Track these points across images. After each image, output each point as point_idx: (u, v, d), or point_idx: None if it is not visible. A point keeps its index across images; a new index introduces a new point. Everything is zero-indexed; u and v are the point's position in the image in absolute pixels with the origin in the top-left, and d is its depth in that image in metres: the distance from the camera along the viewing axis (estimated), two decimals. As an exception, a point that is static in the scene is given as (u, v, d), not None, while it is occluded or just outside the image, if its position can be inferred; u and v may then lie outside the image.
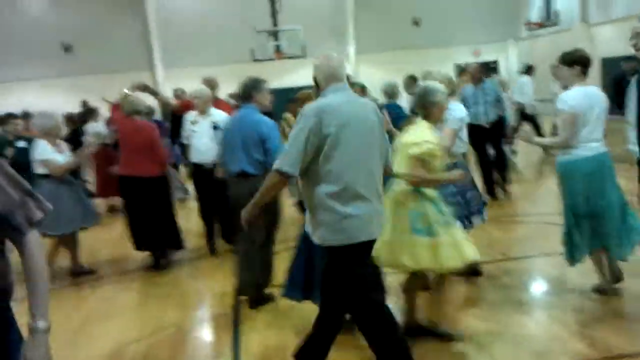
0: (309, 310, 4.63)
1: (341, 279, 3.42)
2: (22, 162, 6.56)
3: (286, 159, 3.24)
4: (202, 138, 6.62)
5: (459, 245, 3.91)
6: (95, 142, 7.05)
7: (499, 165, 8.82)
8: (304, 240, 4.32)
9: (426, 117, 4.08)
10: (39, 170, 6.33)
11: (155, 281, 6.36)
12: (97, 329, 5.16)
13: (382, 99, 7.83)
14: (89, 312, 5.60)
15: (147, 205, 6.50)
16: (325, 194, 3.28)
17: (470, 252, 3.96)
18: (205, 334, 5.03)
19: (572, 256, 4.67)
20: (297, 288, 4.48)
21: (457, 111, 4.86)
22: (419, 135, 3.94)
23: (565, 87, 4.59)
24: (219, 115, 6.60)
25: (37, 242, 2.20)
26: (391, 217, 3.90)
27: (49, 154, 6.30)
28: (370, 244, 3.40)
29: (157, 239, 6.65)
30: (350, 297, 3.43)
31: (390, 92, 7.72)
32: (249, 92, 5.17)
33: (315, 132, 3.22)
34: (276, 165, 3.28)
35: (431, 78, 4.80)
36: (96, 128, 7.00)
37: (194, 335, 4.91)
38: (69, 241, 6.68)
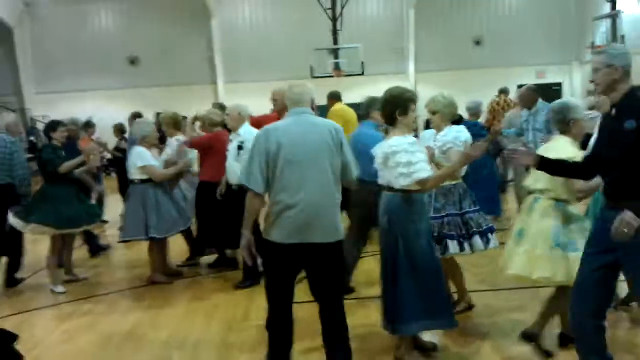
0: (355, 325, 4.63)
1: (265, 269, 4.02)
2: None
3: (247, 176, 3.80)
4: (229, 158, 6.49)
5: None
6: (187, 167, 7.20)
7: None
8: (385, 264, 4.25)
9: (565, 133, 4.16)
10: (137, 175, 6.59)
11: (203, 291, 6.46)
12: (144, 336, 5.25)
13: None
14: (137, 318, 5.71)
15: (223, 208, 6.55)
16: (271, 198, 3.85)
17: None
18: (249, 348, 4.98)
19: None
20: (385, 317, 4.30)
21: (462, 133, 4.82)
22: (568, 152, 4.00)
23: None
24: (249, 134, 6.30)
25: None
26: (532, 230, 4.08)
27: (150, 161, 6.57)
28: (304, 247, 3.79)
29: (225, 239, 6.75)
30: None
31: (475, 110, 7.72)
32: (366, 109, 5.79)
33: (260, 150, 3.79)
34: (241, 181, 3.88)
35: (436, 100, 4.82)
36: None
37: (237, 348, 4.90)
38: (162, 245, 6.85)
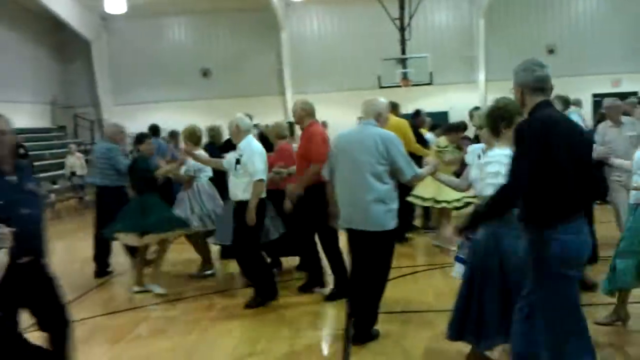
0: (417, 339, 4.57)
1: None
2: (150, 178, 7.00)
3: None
4: (230, 173, 6.21)
5: None
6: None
7: None
8: (467, 274, 4.18)
9: None
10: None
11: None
12: (214, 342, 5.34)
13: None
14: (208, 325, 5.79)
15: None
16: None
17: None
18: (317, 355, 5.01)
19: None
20: (452, 326, 4.23)
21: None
22: None
23: None
24: (248, 147, 6.02)
25: None
26: None
27: None
28: (351, 232, 4.88)
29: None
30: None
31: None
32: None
33: (329, 151, 5.21)
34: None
35: (481, 115, 4.72)
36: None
37: (306, 356, 4.91)
38: None
